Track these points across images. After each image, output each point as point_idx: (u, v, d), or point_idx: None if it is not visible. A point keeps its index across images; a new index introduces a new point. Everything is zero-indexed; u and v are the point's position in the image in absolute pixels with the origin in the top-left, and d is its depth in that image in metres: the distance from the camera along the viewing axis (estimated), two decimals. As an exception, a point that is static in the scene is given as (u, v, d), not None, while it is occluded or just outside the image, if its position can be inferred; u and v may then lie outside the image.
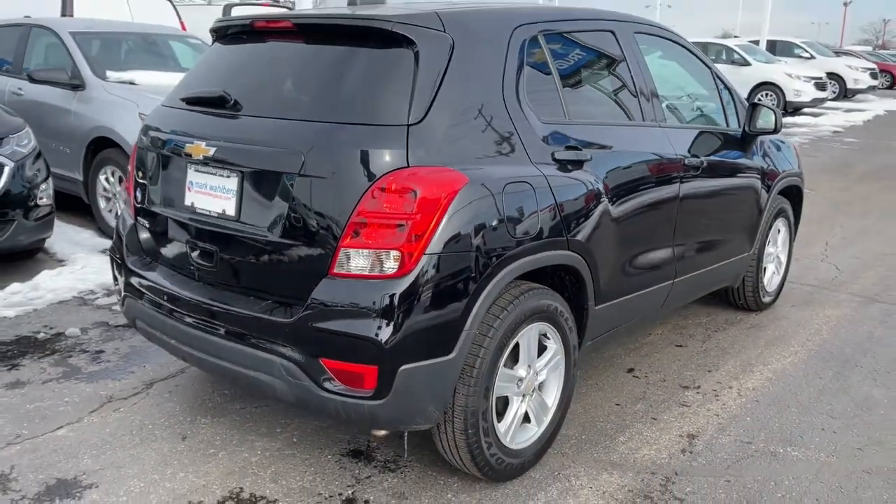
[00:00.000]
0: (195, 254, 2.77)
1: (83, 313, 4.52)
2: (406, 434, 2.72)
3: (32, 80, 6.40)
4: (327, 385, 2.42)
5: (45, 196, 5.15)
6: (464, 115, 2.56)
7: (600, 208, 2.97)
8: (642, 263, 3.37)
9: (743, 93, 11.89)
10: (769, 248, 4.73)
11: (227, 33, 3.06)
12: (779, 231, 4.83)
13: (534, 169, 2.71)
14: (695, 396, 3.60)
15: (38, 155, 5.20)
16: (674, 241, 3.58)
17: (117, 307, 4.57)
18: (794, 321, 4.68)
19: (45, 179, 5.18)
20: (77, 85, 6.31)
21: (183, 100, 2.91)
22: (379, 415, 2.43)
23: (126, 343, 4.08)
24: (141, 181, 3.04)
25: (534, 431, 2.89)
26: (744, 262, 4.40)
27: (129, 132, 5.86)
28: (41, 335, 4.17)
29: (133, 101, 6.00)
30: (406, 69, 2.50)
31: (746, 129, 4.16)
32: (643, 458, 3.05)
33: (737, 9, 63.33)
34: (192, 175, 2.78)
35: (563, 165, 2.84)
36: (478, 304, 2.47)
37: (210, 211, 2.71)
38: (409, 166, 2.37)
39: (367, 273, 2.37)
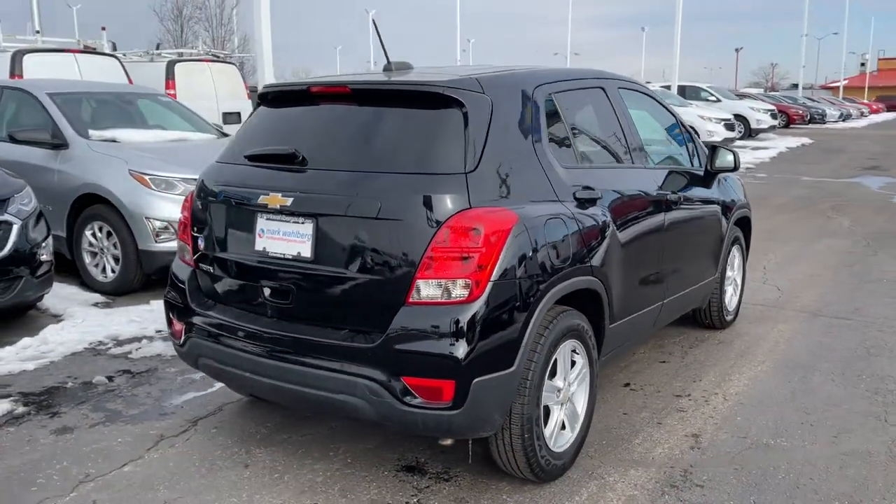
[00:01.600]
0: (268, 293, 3.09)
1: (101, 363, 4.68)
2: (470, 441, 3.08)
3: (14, 140, 6.54)
4: (409, 400, 2.77)
5: (45, 253, 5.31)
6: (506, 162, 3.01)
7: (611, 239, 3.45)
8: (641, 286, 3.87)
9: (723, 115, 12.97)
10: (728, 272, 5.33)
11: (279, 97, 3.44)
12: (735, 257, 5.45)
13: (562, 207, 3.17)
14: (689, 403, 4.09)
15: (40, 214, 5.37)
16: (661, 266, 4.09)
17: (133, 355, 4.77)
18: (754, 336, 5.26)
19: (47, 237, 5.34)
20: (59, 144, 6.48)
21: (248, 157, 3.25)
22: (455, 424, 2.80)
23: (155, 387, 4.29)
24: (200, 231, 3.35)
25: (569, 436, 3.30)
26: (710, 285, 4.97)
27: (119, 188, 6.09)
28: (69, 385, 4.33)
29: (122, 159, 6.24)
30: (458, 126, 2.94)
31: (709, 167, 4.76)
32: (659, 455, 3.49)
33: (639, 54, 66.92)
34: (263, 223, 3.12)
35: (582, 203, 3.31)
36: (531, 324, 2.89)
37: (284, 254, 3.05)
38: (471, 207, 2.79)
39: (440, 300, 2.76)
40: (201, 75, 13.95)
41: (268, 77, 9.09)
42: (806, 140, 26.18)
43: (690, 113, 19.18)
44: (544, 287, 2.96)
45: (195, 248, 3.39)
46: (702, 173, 4.79)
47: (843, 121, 39.40)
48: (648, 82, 32.77)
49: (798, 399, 4.15)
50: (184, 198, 3.70)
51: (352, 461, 3.43)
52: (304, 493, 3.15)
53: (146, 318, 5.52)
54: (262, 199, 3.07)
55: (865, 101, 59.11)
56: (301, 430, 3.72)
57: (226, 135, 7.90)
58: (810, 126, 35.24)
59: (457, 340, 2.73)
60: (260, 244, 3.13)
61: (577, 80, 3.77)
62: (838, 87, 66.90)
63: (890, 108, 59.89)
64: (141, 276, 6.23)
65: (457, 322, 2.74)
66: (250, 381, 3.17)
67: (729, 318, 5.40)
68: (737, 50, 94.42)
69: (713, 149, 4.78)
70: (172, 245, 6.03)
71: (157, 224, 6.05)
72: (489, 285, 2.76)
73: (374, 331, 2.85)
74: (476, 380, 2.75)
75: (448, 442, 3.09)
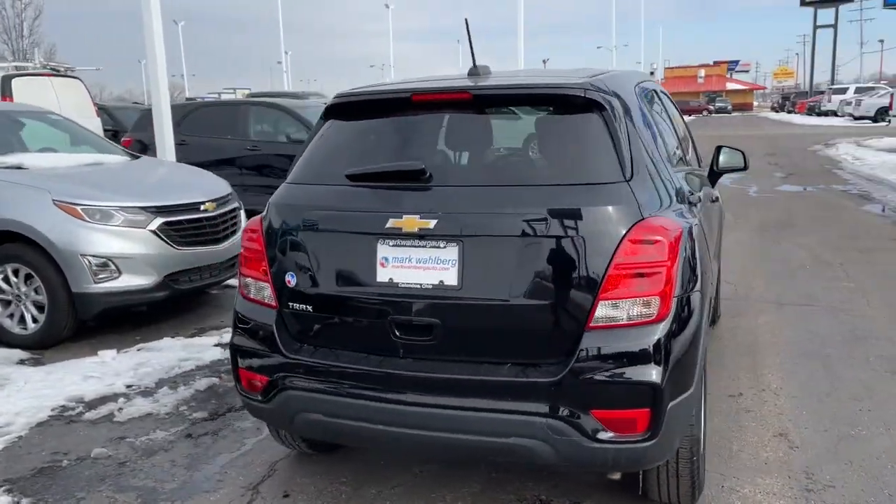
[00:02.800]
0: (400, 329, 2.68)
1: (83, 431, 3.93)
2: (642, 472, 2.84)
3: None
4: (600, 436, 2.49)
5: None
6: (648, 166, 2.79)
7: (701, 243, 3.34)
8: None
9: None
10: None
11: (362, 107, 3.01)
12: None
13: (688, 211, 3.02)
14: (748, 402, 4.08)
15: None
16: (711, 267, 4.06)
17: (118, 418, 4.06)
18: (745, 330, 5.41)
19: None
20: (-50, 176, 5.43)
21: (352, 176, 2.80)
22: (648, 455, 2.55)
23: (175, 453, 3.65)
24: (284, 265, 2.86)
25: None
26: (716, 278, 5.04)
27: (42, 222, 5.21)
28: (65, 463, 3.57)
29: (41, 188, 5.32)
30: (602, 130, 2.70)
31: (715, 168, 4.82)
32: (769, 459, 3.43)
33: (457, 65, 68.81)
34: (387, 250, 2.70)
35: (690, 207, 3.18)
36: (702, 337, 2.71)
37: (421, 284, 2.65)
38: (643, 218, 2.56)
39: (626, 322, 2.50)
40: (42, 90, 12.65)
41: (162, 92, 8.22)
42: None
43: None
44: (704, 297, 2.79)
45: (278, 285, 2.88)
46: (707, 173, 4.84)
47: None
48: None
49: (838, 388, 4.27)
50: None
51: (469, 509, 3.07)
52: (449, 554, 2.76)
53: (104, 371, 4.73)
54: (391, 224, 2.65)
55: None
56: (387, 481, 3.29)
57: (137, 156, 7.04)
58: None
59: (651, 364, 2.49)
60: (384, 275, 2.70)
61: (641, 81, 3.64)
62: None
63: (684, 112, 65.64)
64: (72, 324, 5.35)
65: (649, 344, 2.49)
66: (382, 434, 2.72)
67: (719, 313, 5.51)
68: (544, 61, 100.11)
69: (718, 148, 4.84)
70: (115, 285, 5.25)
71: (95, 262, 5.21)
72: (673, 301, 2.54)
73: (551, 362, 2.54)
74: (670, 405, 2.52)
75: (617, 476, 2.83)
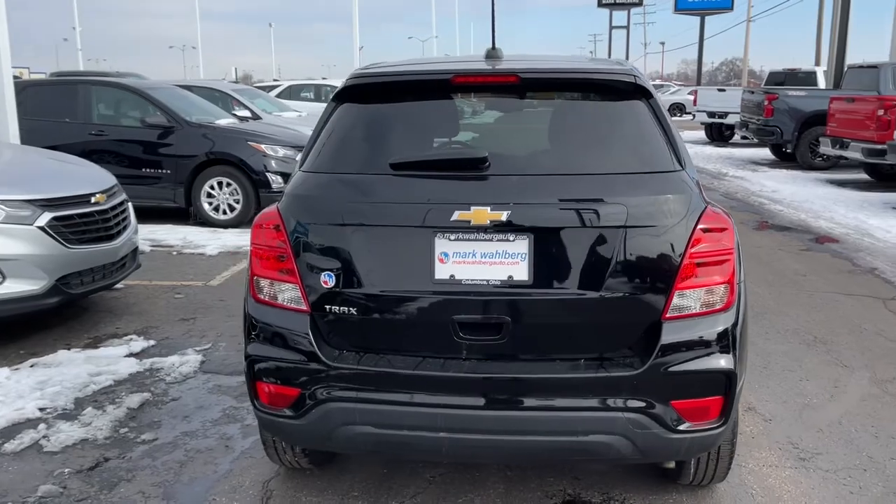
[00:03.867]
0: (464, 329, 2.49)
1: (14, 467, 3.33)
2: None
3: None
4: (681, 427, 2.48)
5: None
6: (687, 155, 2.79)
7: None
8: None
9: None
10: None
11: (389, 89, 2.76)
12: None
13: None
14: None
15: None
16: None
17: (49, 447, 3.48)
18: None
19: None
20: None
21: (398, 165, 2.55)
22: (717, 441, 2.58)
23: (141, 482, 3.19)
24: (317, 264, 2.56)
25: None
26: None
27: None
28: (8, 507, 3.00)
29: None
30: (651, 119, 2.66)
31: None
32: (752, 432, 3.61)
33: (247, 53, 66.53)
34: (446, 245, 2.49)
35: None
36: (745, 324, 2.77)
37: (488, 280, 2.48)
38: (706, 206, 2.57)
39: (700, 311, 2.50)
40: None
41: (4, 69, 7.17)
42: None
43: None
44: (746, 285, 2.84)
45: (310, 287, 2.58)
46: None
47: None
48: (273, 81, 31.09)
49: (770, 361, 4.60)
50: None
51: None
52: (512, 563, 2.63)
53: (4, 393, 4.04)
54: (457, 216, 2.45)
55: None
56: (402, 490, 3.08)
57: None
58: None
59: (726, 353, 2.51)
60: (443, 271, 2.50)
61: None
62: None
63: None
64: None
65: (725, 333, 2.51)
66: (445, 443, 2.52)
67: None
68: (360, 48, 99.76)
69: None
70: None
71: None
72: (737, 287, 2.58)
73: (627, 355, 2.48)
74: (737, 390, 2.56)
75: (672, 464, 2.83)
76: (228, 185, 9.08)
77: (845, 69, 16.26)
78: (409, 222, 2.51)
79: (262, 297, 2.67)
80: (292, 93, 19.47)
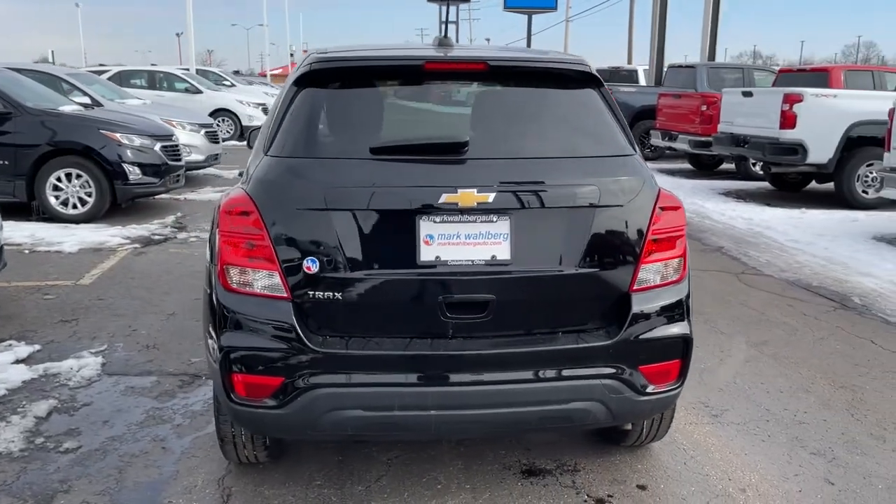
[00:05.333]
0: (450, 309, 2.56)
1: (-82, 489, 2.98)
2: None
3: None
4: (648, 389, 2.70)
5: None
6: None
7: None
8: None
9: (204, 119, 12.57)
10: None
11: (354, 74, 2.75)
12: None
13: None
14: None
15: None
16: None
17: (-41, 465, 3.15)
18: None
19: None
20: None
21: (378, 149, 2.56)
22: (674, 402, 2.83)
23: (86, 493, 2.97)
24: (297, 249, 2.53)
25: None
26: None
27: None
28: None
29: None
30: (605, 106, 2.86)
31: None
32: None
33: (50, 34, 61.10)
34: (431, 227, 2.54)
35: None
36: None
37: (473, 260, 2.56)
38: (659, 188, 2.80)
39: (660, 283, 2.73)
40: None
41: None
42: None
43: (229, 97, 19.05)
44: None
45: (290, 273, 2.54)
46: None
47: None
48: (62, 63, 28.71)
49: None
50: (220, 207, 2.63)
51: (471, 488, 3.05)
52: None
53: None
54: (444, 199, 2.51)
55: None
56: (365, 474, 3.10)
57: None
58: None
59: (683, 320, 2.76)
60: (429, 253, 2.55)
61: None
62: (268, 75, 72.32)
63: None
64: None
65: (680, 302, 2.76)
66: (433, 420, 2.58)
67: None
68: (178, 34, 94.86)
69: None
70: None
71: None
72: (687, 261, 2.84)
73: (600, 326, 2.67)
74: (690, 354, 2.82)
75: (628, 426, 3.05)
76: (79, 176, 8.41)
77: (665, 68, 17.74)
78: (393, 206, 2.54)
79: (235, 285, 2.59)
80: (122, 79, 18.17)
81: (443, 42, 3.08)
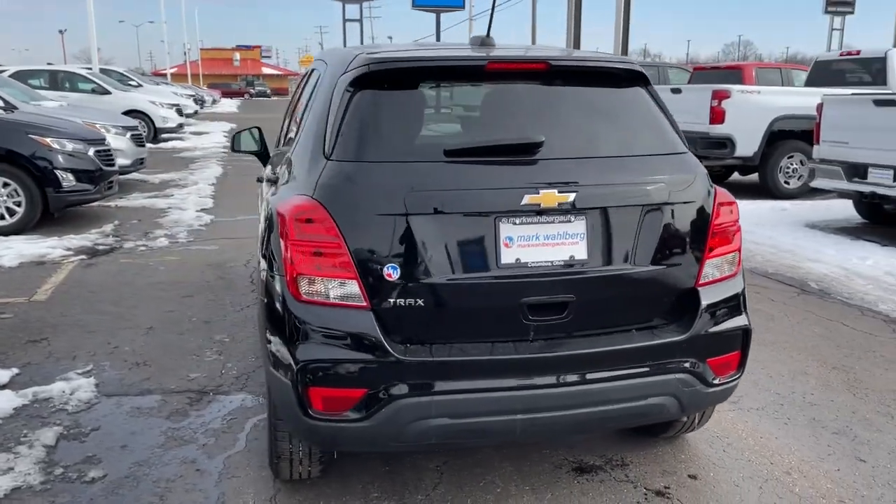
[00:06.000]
0: (531, 311, 2.54)
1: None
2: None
3: None
4: (714, 381, 2.76)
5: None
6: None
7: None
8: None
9: (128, 121, 11.92)
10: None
11: (414, 74, 2.69)
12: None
13: None
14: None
15: None
16: None
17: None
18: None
19: None
20: None
21: (455, 151, 2.51)
22: (733, 392, 2.91)
23: (129, 523, 2.79)
24: (379, 257, 2.46)
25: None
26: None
27: None
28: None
29: None
30: (656, 105, 2.91)
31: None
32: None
33: None
34: (511, 230, 2.51)
35: None
36: None
37: (552, 261, 2.55)
38: (713, 185, 2.87)
39: (723, 276, 2.80)
40: None
41: None
42: (231, 125, 26.69)
43: (140, 98, 18.22)
44: None
45: (368, 281, 2.45)
46: None
47: (213, 105, 41.98)
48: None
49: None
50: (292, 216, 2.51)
51: (530, 489, 3.04)
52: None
53: None
54: (527, 200, 2.48)
55: (203, 87, 63.14)
56: (419, 483, 3.04)
57: None
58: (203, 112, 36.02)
59: (742, 312, 2.84)
60: (509, 256, 2.52)
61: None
62: (167, 74, 69.91)
63: (225, 95, 64.70)
64: None
65: (738, 294, 2.84)
66: (519, 425, 2.54)
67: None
68: (61, 31, 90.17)
69: None
70: None
71: None
72: (741, 255, 2.92)
73: (673, 321, 2.71)
74: (750, 345, 2.90)
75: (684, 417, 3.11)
76: (6, 185, 7.86)
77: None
78: (473, 209, 2.50)
79: (308, 296, 2.48)
80: (20, 80, 17.09)
81: (484, 41, 3.05)
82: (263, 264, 2.74)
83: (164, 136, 18.79)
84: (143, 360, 4.40)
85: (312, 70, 3.84)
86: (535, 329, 2.56)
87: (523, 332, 2.56)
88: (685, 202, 2.71)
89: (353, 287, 2.46)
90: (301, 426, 2.55)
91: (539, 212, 2.52)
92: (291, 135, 3.75)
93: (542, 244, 2.55)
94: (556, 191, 2.51)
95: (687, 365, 2.69)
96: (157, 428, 3.54)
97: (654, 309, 2.72)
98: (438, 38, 37.62)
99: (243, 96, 69.18)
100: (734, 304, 2.81)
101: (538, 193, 2.50)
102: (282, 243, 2.55)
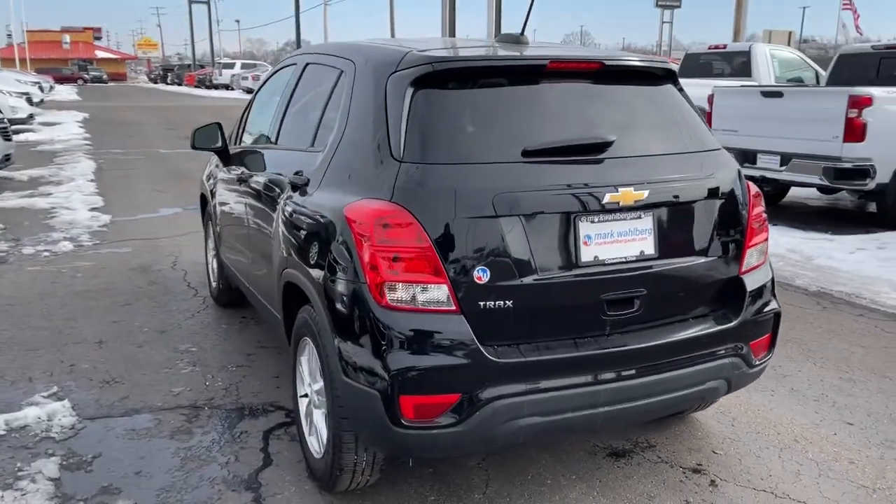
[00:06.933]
0: (609, 307, 2.61)
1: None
2: None
3: None
4: (755, 362, 2.95)
5: None
6: None
7: None
8: None
9: None
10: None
11: (482, 73, 2.67)
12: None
13: None
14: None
15: None
16: None
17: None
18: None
19: None
20: None
21: (533, 151, 2.52)
22: (765, 370, 3.12)
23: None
24: (468, 260, 2.44)
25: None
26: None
27: None
28: None
29: None
30: (687, 101, 3.07)
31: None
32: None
33: None
34: (589, 228, 2.56)
35: None
36: None
37: (625, 257, 2.63)
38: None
39: (757, 264, 2.99)
40: None
41: None
42: (83, 115, 24.72)
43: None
44: None
45: (458, 285, 2.43)
46: None
47: (51, 92, 38.75)
48: None
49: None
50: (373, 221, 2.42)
51: (578, 478, 3.12)
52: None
53: None
54: (609, 198, 2.54)
55: (30, 72, 58.06)
56: (467, 483, 3.05)
57: None
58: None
59: (773, 297, 3.05)
60: (588, 253, 2.57)
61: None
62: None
63: (58, 81, 59.78)
64: None
65: (770, 280, 3.04)
66: (601, 417, 2.61)
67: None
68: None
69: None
70: None
71: None
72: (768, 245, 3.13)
73: (722, 308, 2.87)
74: (779, 326, 3.11)
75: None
76: None
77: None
78: (554, 208, 2.53)
79: (395, 302, 2.42)
80: None
81: (519, 40, 3.07)
82: (325, 273, 2.63)
83: (15, 127, 17.15)
84: (111, 378, 4.07)
85: (308, 65, 3.69)
86: (612, 324, 2.64)
87: (601, 327, 2.63)
88: (730, 196, 2.87)
89: (444, 291, 2.42)
90: (389, 436, 2.48)
91: (614, 209, 2.59)
92: (292, 135, 3.60)
93: (615, 241, 2.62)
94: (632, 188, 2.59)
95: (736, 349, 2.86)
96: (165, 450, 3.31)
97: (708, 298, 2.86)
98: (298, 21, 36.78)
99: (77, 82, 64.32)
100: (769, 290, 3.02)
101: (618, 192, 2.57)
102: (358, 249, 2.46)
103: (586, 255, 2.58)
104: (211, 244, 5.38)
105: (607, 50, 3.43)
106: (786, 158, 8.18)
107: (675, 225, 2.75)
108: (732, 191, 2.89)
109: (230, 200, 4.42)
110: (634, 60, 2.93)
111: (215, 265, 5.25)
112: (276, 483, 3.05)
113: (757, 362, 2.97)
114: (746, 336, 2.89)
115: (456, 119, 2.60)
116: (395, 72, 2.70)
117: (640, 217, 2.66)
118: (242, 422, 3.58)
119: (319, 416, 2.95)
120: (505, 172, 2.50)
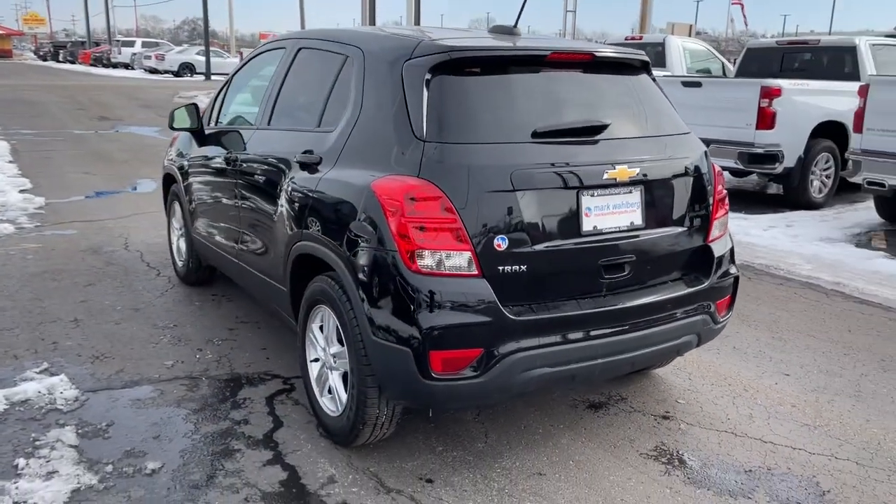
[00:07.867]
0: (606, 271, 2.97)
1: None
2: None
3: None
4: (719, 319, 3.39)
5: None
6: None
7: None
8: None
9: None
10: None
11: (491, 63, 2.96)
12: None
13: None
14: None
15: None
16: None
17: None
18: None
19: None
20: None
21: (542, 133, 2.84)
22: (725, 327, 3.56)
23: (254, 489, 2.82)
24: (489, 230, 2.74)
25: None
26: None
27: None
28: None
29: None
30: (660, 89, 3.46)
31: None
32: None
33: None
34: (590, 201, 2.91)
35: None
36: None
37: (618, 227, 2.98)
38: (706, 157, 3.48)
39: (719, 234, 3.41)
40: None
41: None
42: None
43: None
44: None
45: (481, 251, 2.73)
46: None
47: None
48: None
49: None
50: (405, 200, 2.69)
51: (565, 427, 3.49)
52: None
53: None
54: (607, 176, 2.89)
55: None
56: (474, 435, 3.37)
57: None
58: None
59: (733, 262, 3.48)
60: (589, 224, 2.92)
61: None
62: None
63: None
64: None
65: (730, 249, 3.48)
66: (598, 368, 2.96)
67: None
68: None
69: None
70: None
71: None
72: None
73: (694, 272, 3.28)
74: (738, 288, 3.56)
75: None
76: None
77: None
78: (562, 183, 2.85)
79: (426, 268, 2.69)
80: None
81: (512, 31, 3.38)
82: (340, 244, 2.88)
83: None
84: (99, 353, 4.16)
85: (301, 49, 3.86)
86: (608, 286, 3.00)
87: (598, 289, 2.98)
88: (701, 173, 3.28)
89: (468, 257, 2.71)
90: (418, 388, 2.76)
91: (610, 185, 2.94)
92: (292, 116, 3.77)
93: (611, 213, 2.98)
94: (626, 166, 2.95)
95: (706, 308, 3.28)
96: (176, 416, 3.47)
97: (683, 263, 3.27)
98: (206, 8, 35.62)
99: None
100: (730, 257, 3.46)
101: (615, 169, 2.92)
102: (389, 220, 2.71)
103: (587, 225, 2.92)
104: (177, 224, 5.44)
105: (595, 44, 3.81)
106: (705, 144, 8.81)
107: (657, 199, 3.13)
108: (702, 169, 3.30)
109: (211, 180, 4.54)
110: (619, 53, 3.29)
111: (182, 245, 5.33)
112: (293, 441, 3.27)
113: (721, 319, 3.41)
114: (713, 296, 3.32)
115: (471, 102, 2.88)
116: (410, 59, 2.95)
117: (630, 192, 3.03)
118: (243, 390, 3.76)
119: (336, 377, 3.19)
120: (518, 151, 2.81)
